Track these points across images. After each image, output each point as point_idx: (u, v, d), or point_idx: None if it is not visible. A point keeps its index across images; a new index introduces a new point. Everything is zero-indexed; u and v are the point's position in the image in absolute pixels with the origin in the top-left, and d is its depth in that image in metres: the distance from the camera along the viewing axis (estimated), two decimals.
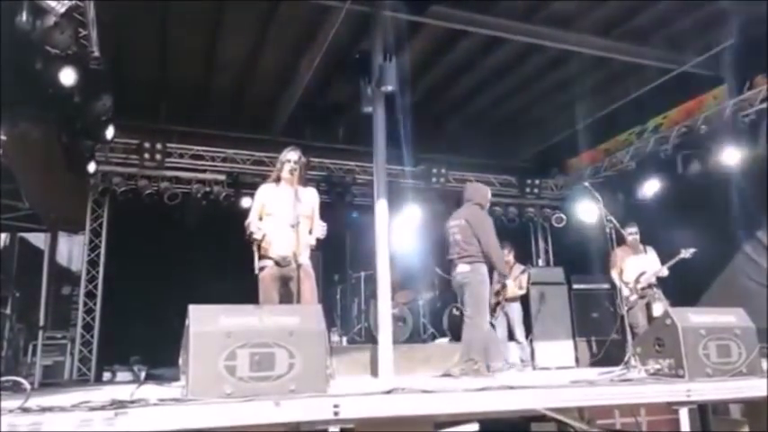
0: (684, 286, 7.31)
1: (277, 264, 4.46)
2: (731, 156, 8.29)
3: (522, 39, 7.95)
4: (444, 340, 8.56)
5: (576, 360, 8.13)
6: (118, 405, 2.77)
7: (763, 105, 8.07)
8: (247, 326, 3.20)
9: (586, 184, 5.60)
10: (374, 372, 6.51)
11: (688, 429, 3.73)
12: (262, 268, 4.47)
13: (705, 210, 8.48)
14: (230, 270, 9.07)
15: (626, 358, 4.67)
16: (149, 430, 2.70)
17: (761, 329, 4.71)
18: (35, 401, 2.81)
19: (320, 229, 4.64)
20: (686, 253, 6.86)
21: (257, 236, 4.45)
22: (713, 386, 3.94)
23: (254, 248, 4.52)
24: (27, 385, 3.08)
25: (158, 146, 9.17)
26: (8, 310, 7.34)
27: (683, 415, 3.76)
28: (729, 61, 8.42)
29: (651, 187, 9.47)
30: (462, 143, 11.49)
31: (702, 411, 5.33)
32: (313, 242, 4.72)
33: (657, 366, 4.19)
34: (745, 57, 8.14)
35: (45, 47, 5.69)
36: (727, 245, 8.34)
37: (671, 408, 3.85)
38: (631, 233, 7.18)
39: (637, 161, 9.99)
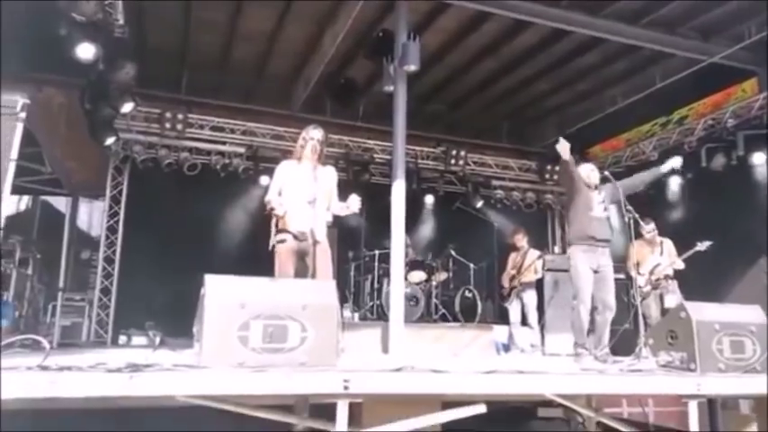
0: (703, 282, 7.24)
1: (295, 238, 4.49)
2: (758, 152, 8.15)
3: (548, 23, 7.82)
4: (456, 325, 8.57)
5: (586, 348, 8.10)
6: (133, 368, 2.83)
7: None
8: (262, 298, 3.24)
9: (606, 173, 5.50)
10: (385, 349, 6.57)
11: (696, 422, 3.72)
12: (280, 242, 4.51)
13: (728, 205, 8.36)
14: (246, 242, 9.22)
15: (637, 349, 4.66)
16: (162, 394, 2.77)
17: None
18: (53, 360, 2.88)
19: (355, 203, 4.65)
20: (702, 246, 6.84)
21: (279, 211, 4.49)
22: (724, 381, 3.92)
23: (273, 223, 4.56)
24: (46, 344, 3.16)
25: (179, 116, 9.22)
26: (29, 271, 7.49)
27: (692, 408, 3.74)
28: (763, 53, 8.22)
29: (674, 180, 9.34)
30: (482, 126, 11.42)
31: (711, 405, 5.31)
32: (330, 219, 4.75)
33: (669, 359, 4.17)
34: None
35: (71, 14, 5.73)
36: (747, 243, 8.22)
37: (680, 400, 3.84)
38: (649, 231, 7.16)
39: (659, 152, 9.83)
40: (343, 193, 4.87)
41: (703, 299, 6.26)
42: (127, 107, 7.90)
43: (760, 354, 4.06)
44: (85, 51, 6.11)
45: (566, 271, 8.50)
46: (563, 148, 5.19)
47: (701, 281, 7.18)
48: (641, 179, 5.60)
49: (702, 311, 4.20)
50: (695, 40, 8.19)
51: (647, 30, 7.96)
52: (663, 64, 8.90)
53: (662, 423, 5.65)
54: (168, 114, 9.17)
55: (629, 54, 8.72)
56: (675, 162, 5.47)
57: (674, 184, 9.49)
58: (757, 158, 8.18)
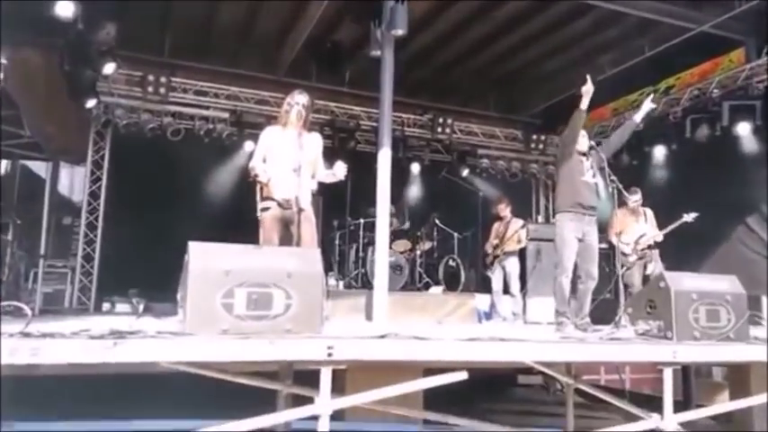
0: (684, 251, 7.36)
1: (279, 205, 4.47)
2: (742, 122, 8.19)
3: None
4: (438, 289, 8.68)
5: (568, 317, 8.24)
6: (117, 335, 2.84)
7: None
8: (246, 265, 3.24)
9: (592, 142, 5.50)
10: (369, 317, 6.63)
11: (670, 389, 3.82)
12: (264, 209, 4.49)
13: (710, 176, 8.46)
14: (230, 209, 9.16)
15: (616, 318, 4.75)
16: (146, 360, 2.78)
17: (753, 297, 4.77)
18: (35, 327, 2.87)
19: (341, 170, 4.60)
20: (688, 217, 6.94)
21: (263, 178, 4.44)
22: (699, 349, 4.02)
23: (257, 190, 4.53)
24: (28, 311, 3.15)
25: (162, 79, 9.03)
26: (9, 237, 7.40)
27: (667, 375, 3.84)
28: (752, 23, 8.19)
29: (659, 150, 9.39)
30: (469, 94, 11.34)
31: (685, 372, 5.46)
32: (315, 187, 4.72)
33: (647, 327, 4.25)
34: None
35: None
36: (729, 213, 8.35)
37: (655, 367, 3.94)
38: (635, 200, 7.20)
39: (645, 122, 9.82)
40: (329, 160, 4.83)
41: (681, 267, 6.37)
42: (109, 68, 7.72)
43: (734, 323, 4.16)
44: (64, 9, 5.95)
45: (549, 240, 8.58)
46: (587, 90, 5.04)
47: (680, 249, 7.29)
48: (619, 137, 5.59)
49: (681, 281, 4.27)
50: (686, 8, 8.13)
51: None
52: (652, 32, 8.84)
53: (637, 389, 5.81)
54: (151, 77, 8.97)
55: (619, 22, 8.65)
56: (647, 106, 5.44)
57: (659, 154, 9.55)
58: (741, 129, 8.22)
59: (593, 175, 5.28)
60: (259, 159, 4.59)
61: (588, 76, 5.08)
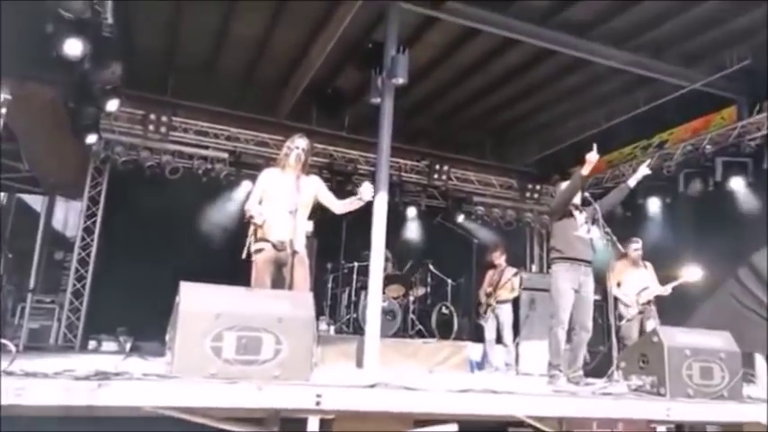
0: (677, 302, 7.33)
1: (274, 247, 4.46)
2: (734, 178, 8.30)
3: (536, 42, 7.92)
4: (432, 341, 8.53)
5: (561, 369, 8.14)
6: (102, 376, 2.77)
7: None
8: (237, 308, 3.21)
9: (586, 194, 5.55)
10: (360, 363, 6.54)
11: None
12: (258, 251, 4.48)
13: (703, 230, 8.53)
14: (224, 249, 9.13)
15: (609, 372, 4.69)
16: (131, 404, 2.72)
17: (745, 354, 4.73)
18: (19, 365, 2.82)
19: (368, 192, 4.54)
20: (694, 275, 6.91)
21: (258, 220, 4.44)
22: (693, 407, 3.96)
23: (251, 231, 4.52)
24: (12, 347, 3.09)
25: (164, 118, 9.14)
26: (0, 271, 7.33)
27: None
28: (743, 82, 8.43)
29: (653, 203, 9.48)
30: (467, 143, 11.50)
31: (680, 431, 5.36)
32: (310, 229, 4.73)
33: (640, 383, 4.21)
34: (759, 79, 8.14)
35: (59, 10, 5.67)
36: (722, 266, 8.37)
37: (649, 425, 3.87)
38: (636, 249, 7.19)
39: None
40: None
41: (674, 321, 6.31)
42: (112, 105, 7.79)
43: (728, 381, 4.11)
44: (73, 47, 6.01)
45: (543, 290, 8.58)
46: (591, 159, 5.12)
47: (673, 303, 7.26)
48: (612, 200, 5.66)
49: (674, 336, 4.25)
50: (679, 66, 8.37)
51: (632, 54, 8.11)
52: (646, 88, 9.06)
53: None
54: (153, 116, 9.08)
55: (614, 77, 8.85)
56: (642, 172, 5.54)
57: (653, 206, 9.63)
58: (734, 184, 8.33)
59: (588, 231, 5.30)
60: (255, 201, 4.60)
61: (595, 146, 5.19)
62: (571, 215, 5.30)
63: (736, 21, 7.39)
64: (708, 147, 8.83)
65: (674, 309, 7.37)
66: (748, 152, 8.21)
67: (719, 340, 4.38)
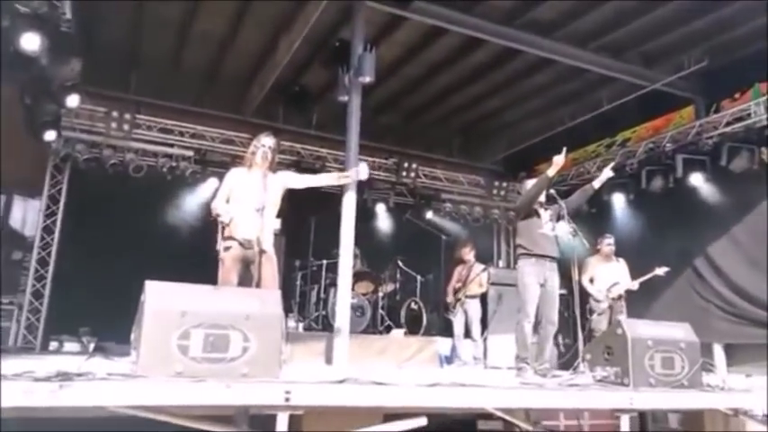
0: (640, 294, 7.52)
1: (241, 245, 4.43)
2: (694, 174, 8.55)
3: (501, 42, 8.03)
4: (400, 332, 8.61)
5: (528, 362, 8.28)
6: (63, 377, 2.70)
7: (727, 129, 8.34)
8: (203, 306, 3.18)
9: (552, 191, 5.65)
10: (329, 360, 6.53)
11: None
12: (226, 248, 4.44)
13: (665, 224, 8.80)
14: (190, 248, 8.99)
15: (575, 363, 4.79)
16: (95, 405, 2.66)
17: (704, 344, 4.89)
18: None
19: (364, 171, 4.76)
20: (659, 271, 7.15)
21: (224, 219, 4.42)
22: (655, 396, 4.08)
23: (219, 229, 4.48)
24: None
25: (127, 116, 8.94)
26: None
27: (624, 421, 3.88)
28: (700, 83, 8.71)
29: (617, 199, 9.70)
30: (434, 140, 11.58)
31: (642, 419, 5.51)
32: (278, 227, 4.71)
33: (605, 374, 4.31)
34: (715, 80, 8.43)
35: (15, 5, 5.50)
36: (682, 259, 8.62)
37: (613, 414, 3.97)
38: (609, 244, 7.39)
39: None
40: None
41: (637, 313, 6.46)
42: (72, 101, 7.58)
43: (688, 370, 4.24)
44: (30, 42, 5.82)
45: (510, 285, 8.68)
46: (558, 162, 5.22)
47: (636, 295, 7.45)
48: (577, 201, 5.79)
49: (637, 328, 4.37)
50: (639, 66, 8.59)
51: (595, 54, 8.29)
52: (609, 87, 9.27)
53: None
54: (115, 113, 8.87)
55: (578, 76, 9.04)
56: (606, 174, 5.70)
57: (617, 202, 9.85)
58: (694, 180, 8.58)
59: (552, 228, 5.40)
60: (222, 199, 4.58)
61: (564, 149, 5.31)
62: (536, 213, 5.39)
63: (693, 24, 7.62)
64: (668, 145, 9.06)
65: (638, 300, 7.57)
66: (706, 150, 8.45)
67: (680, 331, 4.51)
